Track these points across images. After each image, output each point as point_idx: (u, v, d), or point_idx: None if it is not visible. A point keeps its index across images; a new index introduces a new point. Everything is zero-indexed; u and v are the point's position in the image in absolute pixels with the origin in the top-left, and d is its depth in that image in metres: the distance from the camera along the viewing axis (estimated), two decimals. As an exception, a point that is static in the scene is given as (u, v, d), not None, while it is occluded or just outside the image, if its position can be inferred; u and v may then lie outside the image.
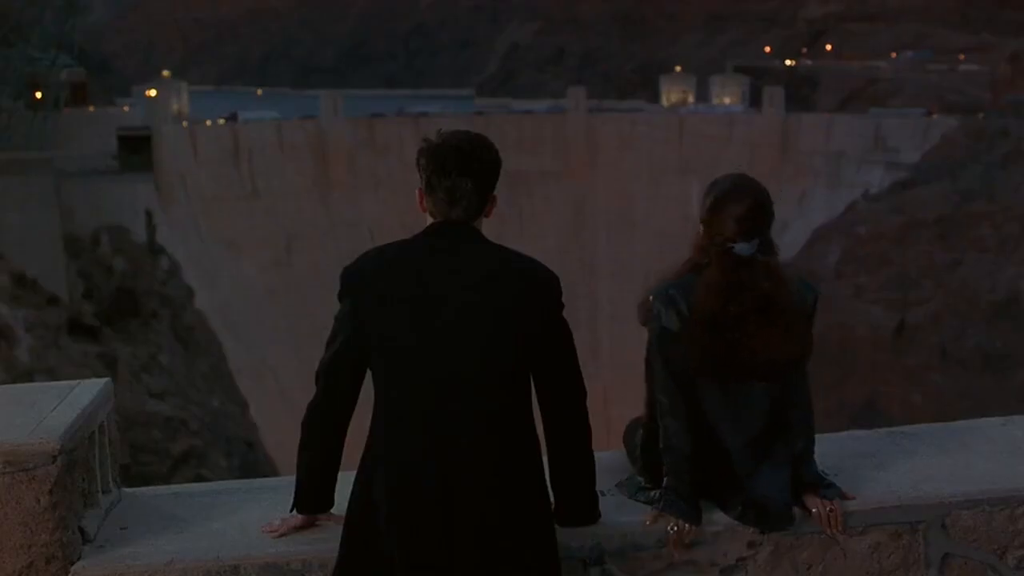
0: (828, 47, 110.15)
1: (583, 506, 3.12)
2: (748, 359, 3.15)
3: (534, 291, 2.87)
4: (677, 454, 3.18)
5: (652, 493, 3.28)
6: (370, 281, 2.88)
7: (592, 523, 3.14)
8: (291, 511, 3.17)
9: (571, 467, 3.03)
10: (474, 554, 2.78)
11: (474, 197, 2.91)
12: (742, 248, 3.15)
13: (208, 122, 67.09)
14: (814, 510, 3.22)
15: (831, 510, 3.21)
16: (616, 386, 43.96)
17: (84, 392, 3.34)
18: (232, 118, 69.62)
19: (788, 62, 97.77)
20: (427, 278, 2.84)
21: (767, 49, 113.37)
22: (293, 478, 3.16)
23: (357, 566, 2.87)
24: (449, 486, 2.77)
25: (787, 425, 3.27)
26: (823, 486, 3.26)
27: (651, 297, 3.23)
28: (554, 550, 2.91)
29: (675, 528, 3.13)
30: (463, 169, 2.89)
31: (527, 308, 2.85)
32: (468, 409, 2.79)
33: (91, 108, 58.88)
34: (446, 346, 2.80)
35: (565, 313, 2.96)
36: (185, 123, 66.40)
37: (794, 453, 3.26)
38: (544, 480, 2.94)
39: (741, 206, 3.17)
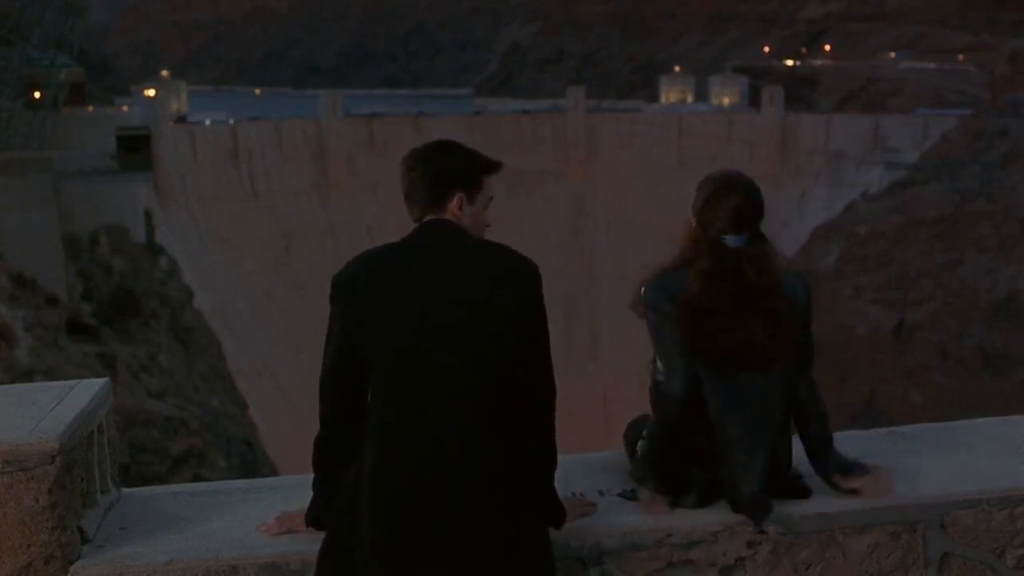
0: (828, 47, 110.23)
1: (542, 503, 3.01)
2: (728, 347, 3.20)
3: (520, 286, 2.86)
4: (660, 433, 3.27)
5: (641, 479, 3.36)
6: (355, 286, 2.87)
7: (553, 523, 3.04)
8: (307, 529, 3.11)
9: (532, 463, 2.95)
10: (464, 553, 2.75)
11: (429, 189, 2.95)
12: (732, 240, 3.26)
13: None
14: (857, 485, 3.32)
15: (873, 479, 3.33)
16: (616, 385, 43.95)
17: (83, 392, 3.33)
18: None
19: (788, 62, 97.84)
20: (412, 280, 2.83)
21: (766, 49, 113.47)
22: (293, 478, 3.14)
23: (336, 560, 2.85)
24: (440, 486, 2.75)
25: (799, 419, 3.36)
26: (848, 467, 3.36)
27: (643, 289, 3.30)
28: (548, 551, 2.89)
29: (651, 491, 3.24)
30: (413, 164, 2.98)
31: (514, 304, 2.84)
32: (458, 408, 2.77)
33: (90, 108, 58.92)
34: (436, 347, 2.79)
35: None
36: (185, 123, 66.42)
37: (813, 441, 3.37)
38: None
39: (733, 200, 3.30)
